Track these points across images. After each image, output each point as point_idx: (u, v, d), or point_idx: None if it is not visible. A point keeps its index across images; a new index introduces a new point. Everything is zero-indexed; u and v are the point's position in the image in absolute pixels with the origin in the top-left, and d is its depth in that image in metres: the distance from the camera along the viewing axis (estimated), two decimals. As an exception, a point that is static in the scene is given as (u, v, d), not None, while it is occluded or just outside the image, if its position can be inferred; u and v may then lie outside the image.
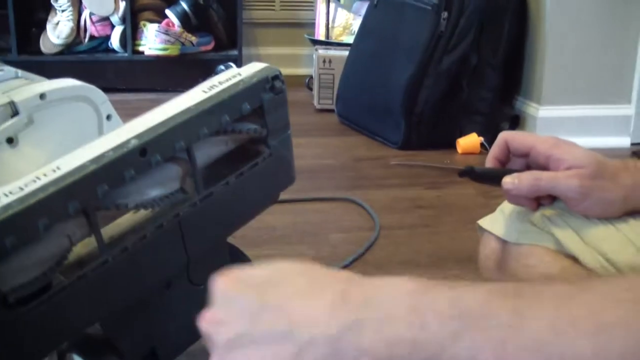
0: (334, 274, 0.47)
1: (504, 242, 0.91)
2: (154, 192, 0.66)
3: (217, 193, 0.72)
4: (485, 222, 0.98)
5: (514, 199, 0.86)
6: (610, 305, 0.39)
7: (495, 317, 0.41)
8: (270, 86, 0.73)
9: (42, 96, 0.79)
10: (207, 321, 0.48)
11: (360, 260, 1.22)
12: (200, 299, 0.79)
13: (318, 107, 2.43)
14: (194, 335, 0.81)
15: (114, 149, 0.62)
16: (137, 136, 0.64)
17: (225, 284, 0.49)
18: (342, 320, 0.43)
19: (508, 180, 0.82)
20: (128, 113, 0.67)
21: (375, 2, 2.26)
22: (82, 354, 0.70)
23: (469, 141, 1.97)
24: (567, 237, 0.82)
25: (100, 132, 0.85)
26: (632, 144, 2.10)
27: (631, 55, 2.09)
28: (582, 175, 0.76)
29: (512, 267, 0.86)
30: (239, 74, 0.72)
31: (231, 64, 0.75)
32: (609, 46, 2.08)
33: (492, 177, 0.86)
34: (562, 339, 0.39)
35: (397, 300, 0.44)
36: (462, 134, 2.01)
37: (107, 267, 0.63)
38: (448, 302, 0.42)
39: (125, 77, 2.69)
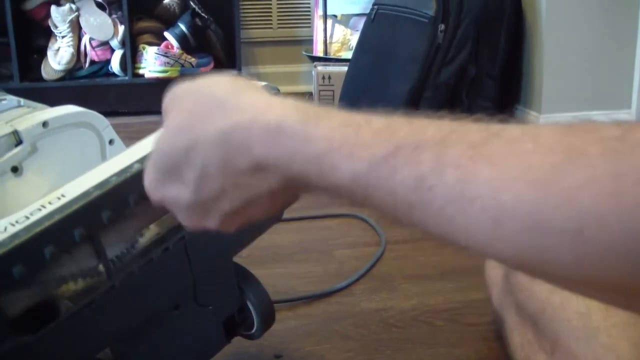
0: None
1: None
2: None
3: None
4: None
5: None
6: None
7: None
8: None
9: (44, 124, 0.80)
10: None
11: (367, 275, 1.22)
12: (208, 319, 0.79)
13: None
14: (204, 355, 0.82)
15: (118, 174, 0.62)
16: (140, 160, 0.64)
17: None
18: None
19: None
20: (131, 136, 0.67)
21: (372, 17, 2.27)
22: (93, 380, 0.70)
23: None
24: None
25: (103, 157, 0.86)
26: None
27: (629, 60, 2.10)
28: None
29: (519, 278, 0.86)
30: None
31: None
32: (607, 51, 2.09)
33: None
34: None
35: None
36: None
37: (114, 292, 0.63)
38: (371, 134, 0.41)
39: (127, 100, 2.70)
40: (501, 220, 0.34)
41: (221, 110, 0.46)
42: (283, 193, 0.47)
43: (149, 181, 0.52)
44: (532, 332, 0.82)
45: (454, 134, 0.38)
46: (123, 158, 0.65)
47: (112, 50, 2.75)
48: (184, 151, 0.47)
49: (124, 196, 0.62)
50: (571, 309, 0.76)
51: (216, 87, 0.49)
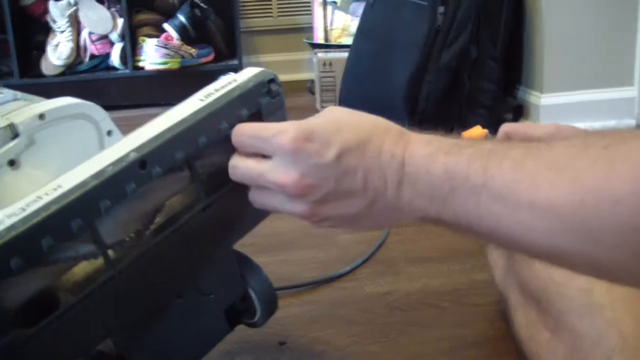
0: (381, 127, 0.63)
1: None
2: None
3: (220, 201, 0.71)
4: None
5: None
6: (548, 173, 0.49)
7: (471, 177, 0.53)
8: (266, 90, 0.72)
9: (41, 116, 0.79)
10: (297, 187, 0.60)
11: (371, 260, 1.22)
12: (210, 308, 0.79)
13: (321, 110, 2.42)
14: (206, 346, 0.81)
15: (114, 164, 0.62)
16: (136, 149, 0.64)
17: (293, 140, 0.60)
18: (395, 183, 0.59)
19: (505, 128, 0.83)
20: (132, 128, 0.67)
21: (371, 2, 2.26)
22: (96, 371, 0.70)
23: (474, 134, 1.96)
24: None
25: (102, 149, 0.85)
26: (638, 126, 2.09)
27: (631, 37, 2.09)
28: None
29: (520, 257, 0.86)
30: (235, 80, 0.72)
31: (232, 73, 0.75)
32: (608, 29, 2.08)
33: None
34: (517, 194, 0.50)
35: (418, 164, 0.58)
36: (466, 127, 2.00)
37: (114, 282, 0.63)
38: (443, 166, 0.56)
39: (128, 93, 2.70)
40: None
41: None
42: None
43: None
44: (535, 311, 0.82)
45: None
46: (119, 147, 0.64)
47: (112, 44, 2.75)
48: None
49: (121, 185, 0.62)
50: (573, 286, 0.76)
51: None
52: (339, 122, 0.62)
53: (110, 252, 0.64)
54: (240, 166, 0.66)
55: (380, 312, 1.05)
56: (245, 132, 0.66)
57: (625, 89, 2.11)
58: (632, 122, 2.10)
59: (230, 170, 0.67)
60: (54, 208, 0.57)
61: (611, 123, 2.06)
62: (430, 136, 0.60)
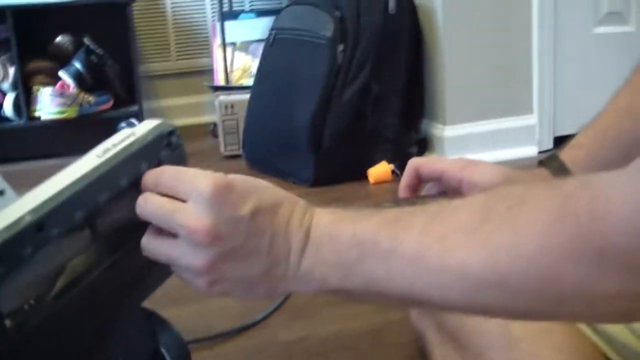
0: (292, 197, 0.63)
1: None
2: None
3: (125, 259, 0.68)
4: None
5: None
6: (457, 236, 0.51)
7: (381, 243, 0.54)
8: (166, 142, 0.70)
9: None
10: (204, 233, 0.58)
11: (285, 304, 1.20)
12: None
13: (225, 153, 2.40)
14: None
15: (8, 228, 0.58)
16: (32, 211, 0.60)
17: (215, 187, 0.59)
18: (295, 247, 0.59)
19: None
20: (31, 183, 0.63)
21: (270, 42, 2.26)
22: None
23: (380, 170, 1.99)
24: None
25: (-6, 210, 0.81)
26: (540, 152, 2.15)
27: (527, 67, 2.16)
28: None
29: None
30: (133, 134, 0.69)
31: (133, 120, 0.73)
32: (504, 59, 2.14)
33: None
34: (429, 257, 0.52)
35: (322, 231, 0.58)
36: (373, 163, 2.02)
37: (13, 355, 0.59)
38: (352, 232, 0.56)
39: (23, 145, 2.61)
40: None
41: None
42: None
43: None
44: (452, 347, 0.81)
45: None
46: (13, 210, 0.61)
47: (4, 94, 2.65)
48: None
49: (17, 250, 0.58)
50: (491, 322, 0.76)
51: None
52: (258, 182, 0.62)
53: (8, 321, 0.60)
54: (153, 201, 0.63)
55: (297, 359, 1.02)
56: (166, 170, 0.64)
57: (525, 117, 2.18)
58: (534, 148, 2.16)
59: (140, 205, 0.64)
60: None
61: (513, 151, 2.11)
62: (334, 208, 0.61)
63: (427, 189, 0.85)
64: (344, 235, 0.56)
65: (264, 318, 1.15)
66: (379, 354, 1.02)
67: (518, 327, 0.74)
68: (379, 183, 1.96)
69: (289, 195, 0.63)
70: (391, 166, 1.99)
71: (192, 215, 0.59)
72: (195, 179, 0.61)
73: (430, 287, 0.52)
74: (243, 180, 0.61)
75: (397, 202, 0.84)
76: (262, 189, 0.61)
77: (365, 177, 1.99)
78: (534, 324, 0.74)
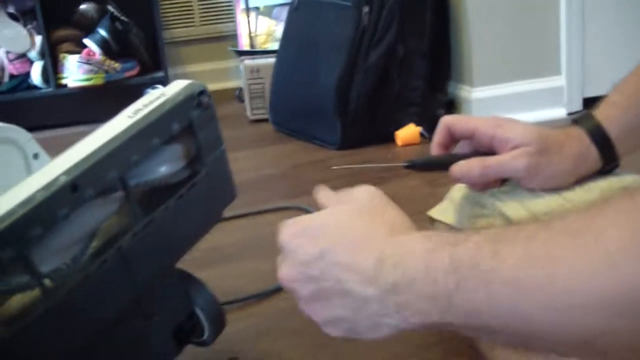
0: (376, 230, 0.59)
1: (456, 230, 0.90)
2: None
3: (158, 219, 0.69)
4: (435, 212, 0.97)
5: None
6: (564, 238, 0.45)
7: (480, 264, 0.48)
8: (197, 102, 0.70)
9: (-40, 145, 0.75)
10: (285, 280, 0.62)
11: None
12: (156, 331, 0.76)
13: (252, 118, 2.40)
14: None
15: (43, 189, 0.59)
16: (66, 172, 0.61)
17: (289, 236, 0.62)
18: (383, 284, 0.55)
19: (457, 170, 0.81)
20: (59, 150, 0.64)
21: (295, 5, 2.24)
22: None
23: (408, 132, 1.97)
24: (519, 215, 0.81)
25: (29, 173, 0.82)
26: (569, 114, 2.12)
27: (555, 27, 2.12)
28: (529, 153, 0.76)
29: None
30: (164, 94, 0.69)
31: (158, 86, 0.73)
32: (533, 19, 2.11)
33: (438, 165, 0.85)
34: (533, 271, 0.45)
35: (416, 262, 0.53)
36: (399, 126, 2.01)
37: (52, 313, 0.60)
38: (449, 258, 0.51)
39: (52, 113, 2.63)
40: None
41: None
42: None
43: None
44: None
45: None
46: (48, 171, 0.61)
47: (31, 62, 2.67)
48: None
49: (53, 211, 0.59)
50: None
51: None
52: (340, 219, 0.62)
53: (46, 281, 0.61)
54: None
55: (329, 319, 1.03)
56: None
57: (553, 79, 2.14)
58: (562, 110, 2.13)
59: None
60: (-18, 241, 0.54)
61: (542, 113, 2.09)
62: (430, 232, 0.57)
63: (459, 147, 0.85)
64: (440, 262, 0.51)
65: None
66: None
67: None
68: (406, 145, 1.95)
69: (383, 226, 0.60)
70: (419, 128, 1.98)
71: (280, 266, 0.64)
72: (280, 230, 0.64)
73: (538, 308, 0.45)
74: (320, 219, 0.62)
75: (429, 159, 0.84)
76: (340, 227, 0.60)
77: (392, 139, 1.98)
78: None
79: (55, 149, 0.81)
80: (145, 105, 0.68)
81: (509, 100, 2.10)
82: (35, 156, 0.83)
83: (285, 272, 0.61)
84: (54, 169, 0.61)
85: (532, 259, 0.46)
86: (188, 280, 0.81)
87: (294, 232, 0.61)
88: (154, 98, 0.69)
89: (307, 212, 1.39)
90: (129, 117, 0.66)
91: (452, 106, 2.19)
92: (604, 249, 0.42)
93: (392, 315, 0.55)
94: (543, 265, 0.45)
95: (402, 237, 0.57)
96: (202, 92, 0.71)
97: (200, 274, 0.84)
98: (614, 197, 0.44)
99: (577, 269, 0.43)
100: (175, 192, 0.71)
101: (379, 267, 0.55)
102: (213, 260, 1.24)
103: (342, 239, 0.59)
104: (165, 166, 0.70)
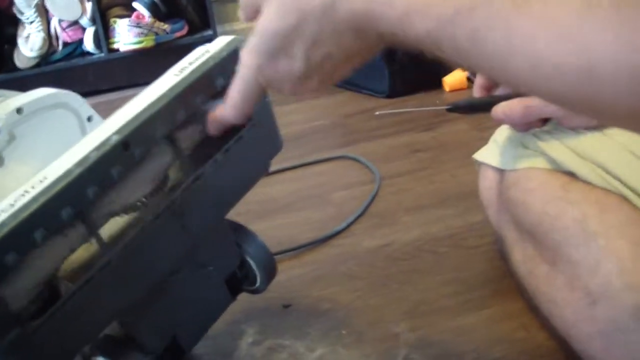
0: None
1: (501, 171, 0.91)
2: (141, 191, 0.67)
3: (208, 173, 0.72)
4: (480, 155, 0.98)
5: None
6: None
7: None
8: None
9: (19, 110, 0.79)
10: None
11: (366, 213, 1.22)
12: (211, 280, 0.80)
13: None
14: (211, 317, 0.82)
15: (97, 148, 0.62)
16: (118, 131, 0.64)
17: None
18: None
19: (499, 111, 0.82)
20: (112, 113, 0.67)
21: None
22: (106, 355, 0.70)
23: (455, 78, 1.96)
24: (562, 154, 0.82)
25: (84, 135, 0.85)
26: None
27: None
28: None
29: (512, 194, 0.86)
30: (207, 51, 0.71)
31: (206, 45, 0.75)
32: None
33: (480, 107, 0.86)
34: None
35: None
36: (447, 72, 2.00)
37: (111, 266, 0.63)
38: None
39: (105, 77, 2.68)
40: (536, 65, 0.42)
41: None
42: (372, 50, 0.57)
43: (254, 67, 0.61)
44: (531, 246, 0.82)
45: None
46: (101, 131, 0.64)
47: (84, 29, 2.71)
48: (293, 27, 0.55)
49: (107, 169, 0.62)
50: (567, 218, 0.76)
51: None
52: None
53: (105, 233, 0.64)
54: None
55: (380, 264, 1.05)
56: None
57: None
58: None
59: None
60: (42, 200, 0.58)
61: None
62: None
63: (502, 88, 0.85)
64: None
65: (346, 227, 1.18)
66: (459, 257, 1.04)
67: (594, 222, 0.74)
68: (454, 91, 1.94)
69: None
70: (466, 73, 1.96)
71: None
72: None
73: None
74: None
75: (472, 101, 0.85)
76: None
77: (440, 86, 1.97)
78: (611, 218, 0.73)
79: (109, 112, 0.85)
80: (190, 63, 0.71)
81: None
82: (89, 119, 0.86)
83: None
84: (106, 129, 0.64)
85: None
86: (239, 230, 0.84)
87: None
88: (199, 55, 0.72)
89: (357, 161, 1.43)
90: (175, 75, 0.69)
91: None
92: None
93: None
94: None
95: None
96: None
97: (255, 226, 0.86)
98: None
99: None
100: (222, 145, 0.73)
101: None
102: (267, 212, 1.27)
103: None
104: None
